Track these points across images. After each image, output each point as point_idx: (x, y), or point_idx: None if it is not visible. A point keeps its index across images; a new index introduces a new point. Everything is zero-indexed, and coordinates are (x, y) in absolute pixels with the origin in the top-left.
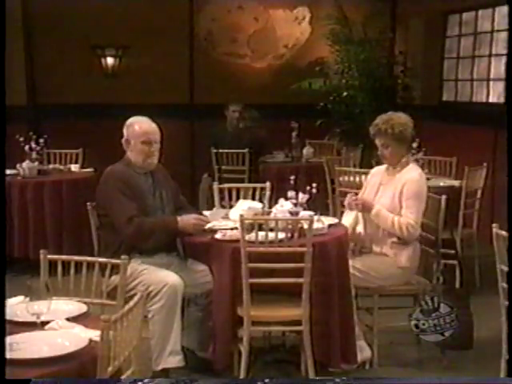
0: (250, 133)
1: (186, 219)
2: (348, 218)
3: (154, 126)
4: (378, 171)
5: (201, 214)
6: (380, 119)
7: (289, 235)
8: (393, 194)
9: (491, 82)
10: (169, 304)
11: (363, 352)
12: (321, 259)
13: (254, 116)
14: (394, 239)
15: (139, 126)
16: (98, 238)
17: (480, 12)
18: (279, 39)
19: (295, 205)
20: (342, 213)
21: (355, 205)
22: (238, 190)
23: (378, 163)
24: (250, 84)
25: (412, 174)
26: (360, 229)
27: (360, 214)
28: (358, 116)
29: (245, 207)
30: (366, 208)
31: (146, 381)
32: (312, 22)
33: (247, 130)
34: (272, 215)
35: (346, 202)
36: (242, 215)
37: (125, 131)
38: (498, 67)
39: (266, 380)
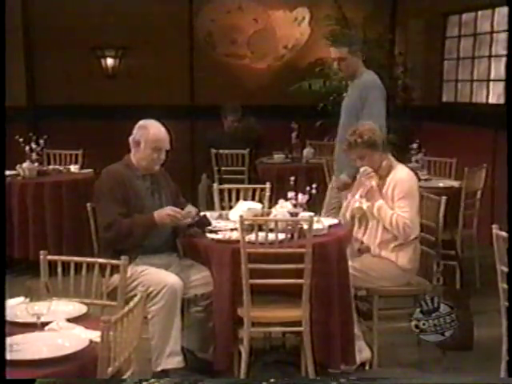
0: (245, 132)
1: (162, 211)
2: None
3: (165, 132)
4: None
5: (198, 213)
6: (347, 134)
7: (289, 236)
8: (384, 198)
9: (491, 83)
10: (168, 305)
11: (363, 353)
12: (321, 260)
13: (251, 124)
14: (395, 243)
15: (153, 131)
16: (98, 238)
17: (480, 13)
18: (279, 40)
19: (295, 205)
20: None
21: (368, 176)
22: (237, 190)
23: None
24: (250, 85)
25: (400, 175)
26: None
27: (357, 219)
28: None
29: (244, 208)
30: (373, 195)
31: (151, 381)
32: (312, 22)
33: (243, 130)
34: (272, 216)
35: (360, 175)
36: (241, 216)
37: (136, 131)
38: (498, 68)
39: (269, 381)
